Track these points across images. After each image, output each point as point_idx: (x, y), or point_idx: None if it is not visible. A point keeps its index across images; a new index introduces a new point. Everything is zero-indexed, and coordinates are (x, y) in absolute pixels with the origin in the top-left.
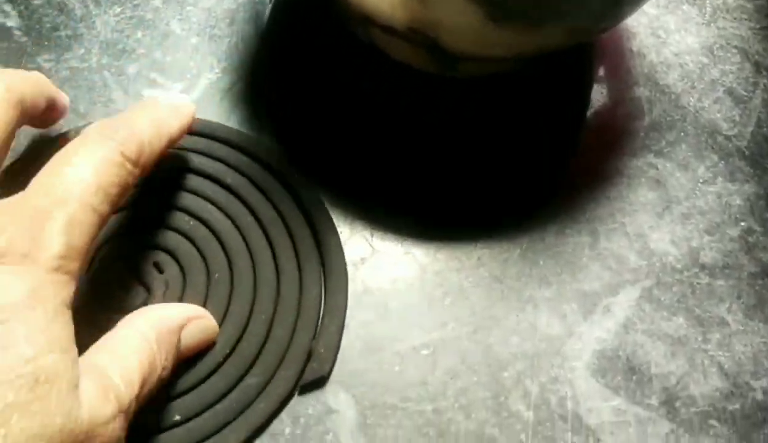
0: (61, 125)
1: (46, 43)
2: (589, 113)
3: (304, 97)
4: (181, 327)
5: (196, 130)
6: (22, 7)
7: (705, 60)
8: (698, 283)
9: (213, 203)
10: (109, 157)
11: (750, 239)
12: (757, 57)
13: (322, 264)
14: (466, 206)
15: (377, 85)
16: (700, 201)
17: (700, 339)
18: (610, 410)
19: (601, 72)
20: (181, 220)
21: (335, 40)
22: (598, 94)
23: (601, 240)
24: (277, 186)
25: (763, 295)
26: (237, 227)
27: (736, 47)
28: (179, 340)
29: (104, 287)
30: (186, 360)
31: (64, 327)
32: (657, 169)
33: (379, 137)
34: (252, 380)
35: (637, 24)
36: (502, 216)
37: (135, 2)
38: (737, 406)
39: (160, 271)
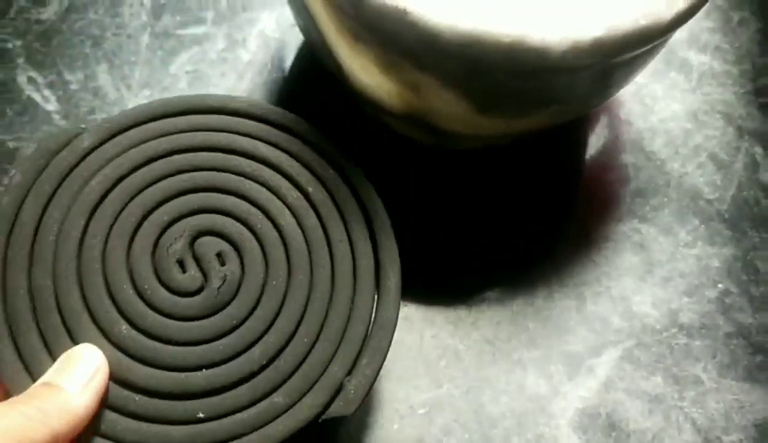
0: None
1: (83, 125)
2: (578, 180)
3: None
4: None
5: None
6: (60, 92)
7: (689, 125)
8: (676, 344)
9: (288, 207)
10: None
11: (726, 300)
12: (739, 121)
13: (376, 308)
14: (460, 272)
15: (382, 153)
16: (680, 264)
17: (676, 396)
18: None
19: (592, 140)
20: (254, 216)
21: (345, 110)
22: (588, 162)
23: (587, 303)
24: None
25: (737, 354)
26: (306, 241)
27: (719, 112)
28: None
29: (166, 264)
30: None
31: None
32: (641, 233)
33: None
34: (278, 399)
35: (625, 92)
36: (494, 280)
37: (164, 85)
38: None
39: (222, 264)
